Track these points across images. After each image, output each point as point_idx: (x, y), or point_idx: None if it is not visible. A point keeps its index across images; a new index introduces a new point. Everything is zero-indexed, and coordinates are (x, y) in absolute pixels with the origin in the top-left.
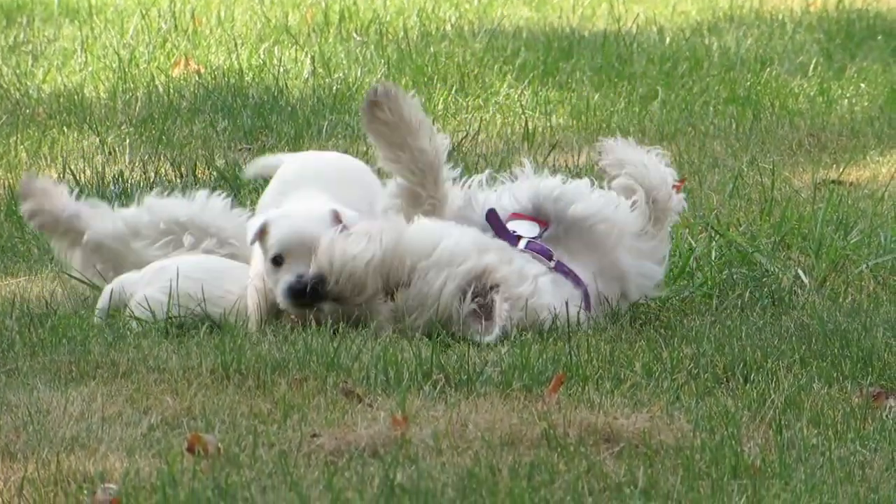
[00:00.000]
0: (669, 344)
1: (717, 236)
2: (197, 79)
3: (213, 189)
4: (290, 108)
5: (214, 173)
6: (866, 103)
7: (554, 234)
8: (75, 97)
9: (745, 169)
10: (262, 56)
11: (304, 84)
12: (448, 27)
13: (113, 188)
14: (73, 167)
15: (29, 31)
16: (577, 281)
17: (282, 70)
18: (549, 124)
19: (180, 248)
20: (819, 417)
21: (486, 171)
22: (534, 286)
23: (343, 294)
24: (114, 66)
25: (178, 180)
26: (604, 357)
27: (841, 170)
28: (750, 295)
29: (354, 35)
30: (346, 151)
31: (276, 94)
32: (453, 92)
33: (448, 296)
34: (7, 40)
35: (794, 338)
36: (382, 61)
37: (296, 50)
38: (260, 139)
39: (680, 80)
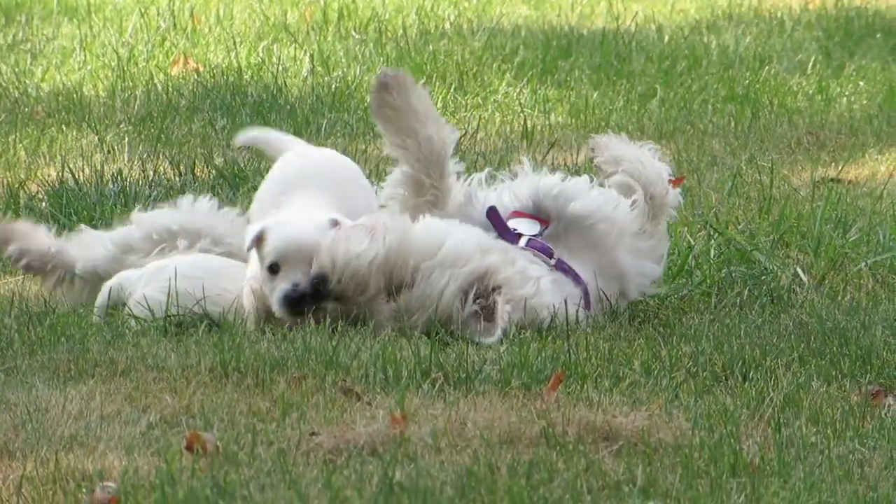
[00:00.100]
0: (668, 342)
1: (716, 234)
2: (196, 77)
3: (212, 188)
4: (288, 107)
5: (213, 172)
6: (865, 101)
7: (554, 232)
8: (74, 96)
9: (744, 167)
10: (260, 54)
11: (303, 82)
12: (447, 25)
13: (112, 186)
14: (71, 165)
15: (28, 29)
16: (577, 279)
17: (281, 68)
18: (547, 123)
19: (176, 251)
20: (818, 416)
21: (486, 170)
22: (536, 287)
23: (345, 293)
24: (112, 64)
25: (177, 179)
26: (602, 355)
27: (840, 168)
28: (749, 293)
29: (353, 33)
30: (345, 149)
31: (274, 92)
32: (452, 90)
33: (450, 296)
34: (6, 39)
35: (792, 336)
36: (381, 59)
37: (294, 48)
38: None
39: (679, 79)
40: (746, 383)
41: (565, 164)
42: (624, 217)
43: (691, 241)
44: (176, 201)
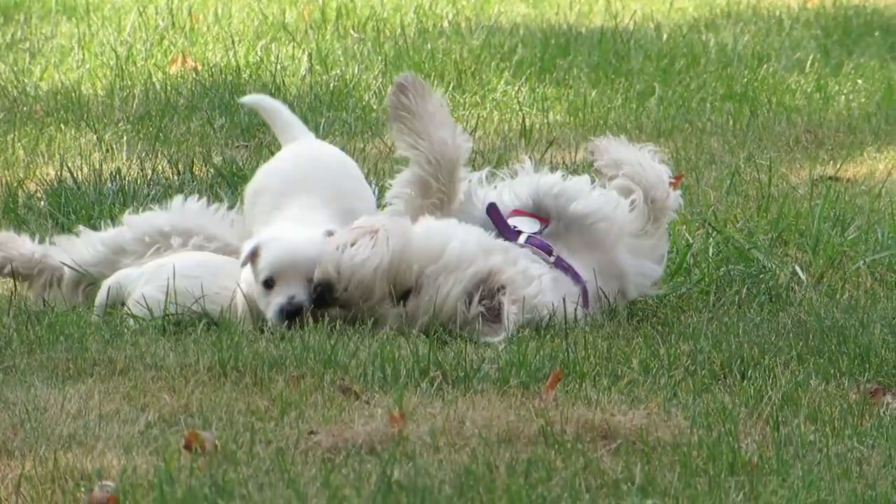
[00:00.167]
0: (666, 341)
1: (715, 233)
2: (194, 76)
3: (211, 187)
4: (287, 105)
5: (212, 171)
6: (863, 99)
7: (554, 230)
8: (72, 94)
9: (743, 165)
10: (259, 53)
11: (302, 81)
12: (445, 24)
13: (110, 185)
14: (70, 164)
15: (26, 28)
16: (576, 277)
17: (279, 67)
18: (546, 121)
19: (170, 250)
20: (816, 414)
21: (487, 169)
22: (539, 287)
23: (351, 300)
24: (111, 63)
25: (176, 178)
26: (601, 354)
27: (838, 166)
28: (747, 291)
29: (352, 32)
30: (343, 148)
31: (273, 91)
32: (450, 89)
33: (455, 299)
34: (4, 38)
35: (791, 334)
36: (380, 58)
37: (293, 47)
38: (257, 136)
39: (677, 77)
40: (745, 382)
41: (563, 162)
42: (624, 217)
43: (690, 239)
44: (167, 203)
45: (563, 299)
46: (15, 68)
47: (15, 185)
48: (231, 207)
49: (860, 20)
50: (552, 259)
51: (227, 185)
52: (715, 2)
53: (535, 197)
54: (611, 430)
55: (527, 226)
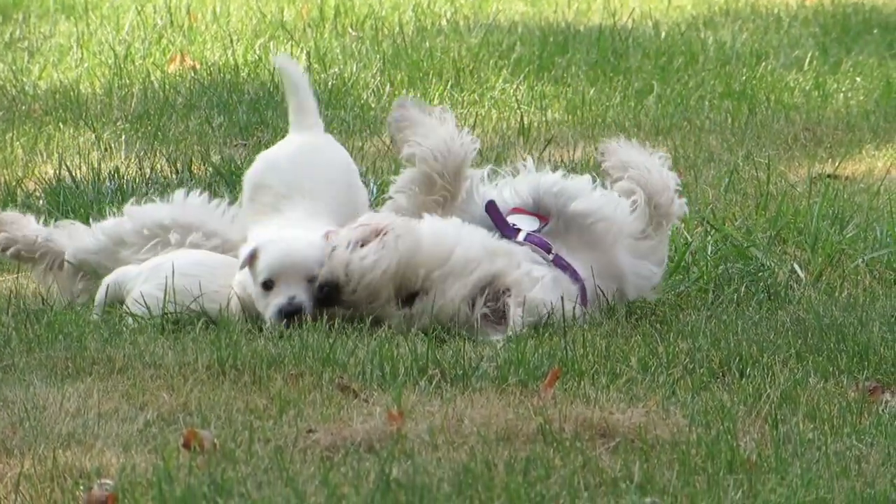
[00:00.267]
0: (665, 339)
1: (713, 231)
2: (193, 75)
3: (209, 185)
4: (285, 104)
5: (210, 169)
6: (862, 97)
7: (553, 229)
8: (71, 93)
9: (741, 163)
10: (257, 52)
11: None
12: (443, 22)
13: (109, 184)
14: (68, 163)
15: (25, 27)
16: (574, 276)
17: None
18: (544, 119)
19: (168, 247)
20: (815, 412)
21: (488, 167)
22: (544, 289)
23: (357, 302)
24: (109, 62)
25: (174, 176)
26: (599, 352)
27: (836, 164)
28: (746, 289)
29: (350, 30)
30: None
31: (271, 89)
32: (449, 87)
33: (459, 302)
34: (3, 37)
35: (789, 332)
36: (378, 56)
37: (291, 45)
38: (256, 135)
39: (675, 75)
40: (743, 380)
41: (562, 160)
42: (624, 218)
43: (688, 237)
44: (169, 196)
45: (562, 298)
46: (14, 67)
47: (14, 183)
48: (231, 204)
49: (858, 18)
50: (551, 257)
51: (226, 183)
52: (713, 0)
53: (535, 195)
54: (609, 429)
55: (526, 224)
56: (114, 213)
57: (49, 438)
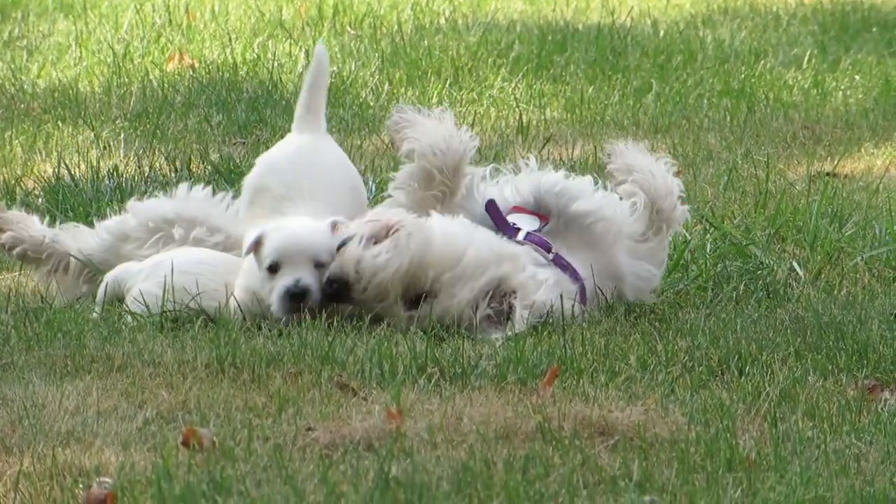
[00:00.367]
0: (664, 337)
1: (712, 229)
2: (191, 73)
3: (208, 183)
4: (284, 102)
5: (209, 167)
6: (861, 95)
7: (554, 228)
8: (70, 92)
9: (740, 161)
10: (256, 50)
11: (299, 78)
12: (442, 20)
13: (108, 182)
14: (67, 161)
15: (24, 26)
16: (574, 275)
17: (276, 64)
18: (543, 117)
19: (171, 242)
20: (814, 410)
21: (490, 166)
22: (548, 292)
23: (365, 300)
24: (108, 60)
25: (173, 174)
26: (598, 350)
27: (835, 162)
28: (745, 288)
29: (348, 29)
30: (339, 145)
31: (270, 88)
32: (447, 85)
33: (466, 306)
34: (2, 36)
35: (788, 330)
36: (376, 55)
37: (290, 44)
38: (254, 133)
39: (674, 73)
40: (742, 378)
41: (561, 158)
42: (623, 219)
43: (687, 235)
44: (171, 192)
45: (561, 296)
46: (12, 66)
47: (13, 182)
48: (235, 198)
49: (857, 16)
50: (551, 256)
51: (225, 181)
52: None
53: (536, 194)
54: (608, 427)
55: (526, 223)
56: (114, 212)
57: (48, 437)
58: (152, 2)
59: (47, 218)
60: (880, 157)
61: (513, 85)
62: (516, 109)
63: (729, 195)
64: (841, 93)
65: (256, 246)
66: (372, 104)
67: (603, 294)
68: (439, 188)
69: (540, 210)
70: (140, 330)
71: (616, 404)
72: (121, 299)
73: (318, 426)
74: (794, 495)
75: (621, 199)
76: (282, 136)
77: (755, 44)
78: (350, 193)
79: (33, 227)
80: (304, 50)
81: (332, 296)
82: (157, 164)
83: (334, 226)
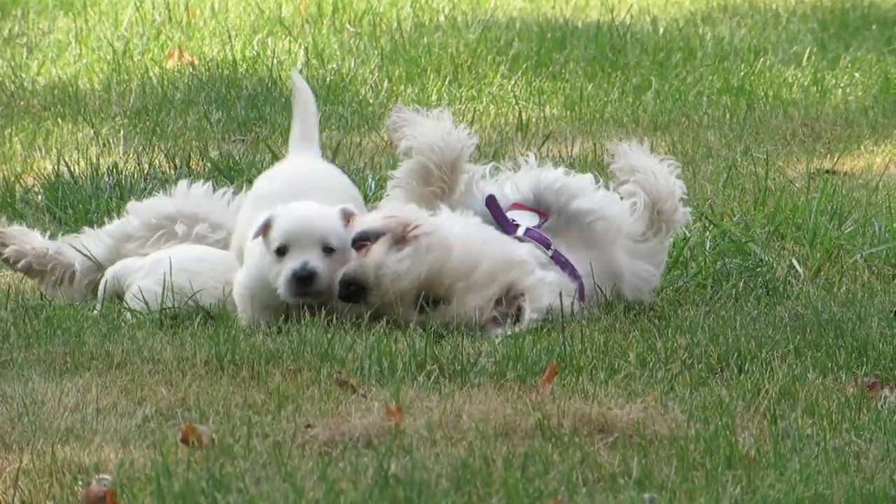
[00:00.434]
0: (663, 334)
1: (711, 226)
2: (191, 70)
3: (207, 180)
4: (283, 100)
5: (208, 164)
6: (860, 93)
7: (553, 225)
8: (69, 89)
9: (739, 159)
10: (255, 47)
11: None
12: (441, 18)
13: (107, 179)
14: (67, 158)
15: (24, 23)
16: (573, 273)
17: (276, 61)
18: (542, 115)
19: (174, 239)
20: (814, 408)
21: (490, 164)
22: (556, 294)
23: (383, 304)
24: (108, 58)
25: (173, 172)
26: (598, 347)
27: (835, 160)
28: (744, 285)
29: (348, 26)
30: (339, 142)
31: (269, 85)
32: (447, 83)
33: (476, 311)
34: (2, 33)
35: (788, 328)
36: (376, 52)
37: (289, 41)
38: (254, 130)
39: (673, 71)
40: (742, 375)
41: (560, 156)
42: (623, 219)
43: (686, 232)
44: (170, 190)
45: (560, 294)
46: (12, 63)
47: (12, 179)
48: (235, 194)
49: (857, 14)
50: (550, 253)
51: (224, 178)
52: None
53: (536, 191)
54: (608, 424)
55: (526, 220)
56: (113, 209)
57: (48, 433)
58: None
59: (48, 216)
60: (880, 155)
61: (512, 82)
62: (516, 107)
63: (728, 192)
64: (840, 90)
65: (265, 229)
66: (371, 101)
67: (602, 292)
68: (437, 185)
69: (539, 207)
70: (139, 327)
71: (615, 401)
72: (120, 296)
73: (318, 423)
74: (794, 493)
75: (622, 198)
76: (281, 134)
77: (754, 41)
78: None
79: (36, 240)
80: (303, 47)
81: (347, 297)
82: (157, 161)
83: (345, 214)
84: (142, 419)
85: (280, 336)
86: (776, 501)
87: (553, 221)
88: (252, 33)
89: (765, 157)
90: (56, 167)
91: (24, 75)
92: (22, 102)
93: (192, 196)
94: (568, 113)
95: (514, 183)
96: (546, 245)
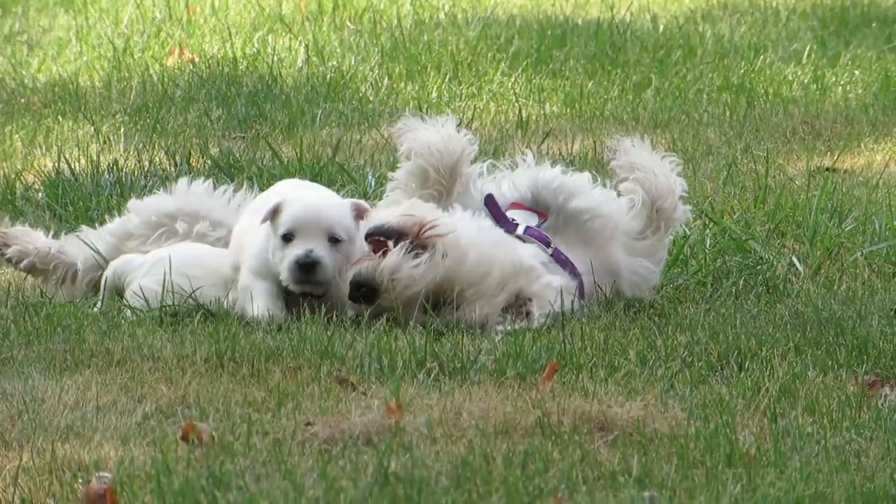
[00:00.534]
0: (664, 332)
1: (712, 224)
2: (191, 67)
3: (207, 177)
4: (284, 97)
5: (209, 162)
6: (860, 91)
7: (552, 224)
8: (70, 86)
9: (739, 157)
10: (256, 45)
11: (298, 72)
12: (441, 15)
13: (108, 177)
14: (67, 156)
15: (24, 20)
16: (573, 271)
17: (276, 59)
18: (542, 112)
19: (175, 236)
20: (814, 406)
21: (487, 161)
22: (562, 299)
23: (391, 307)
24: (108, 55)
25: (173, 169)
26: (598, 345)
27: (835, 157)
28: (744, 283)
29: (348, 23)
30: (339, 139)
31: (270, 82)
32: (447, 80)
33: (484, 317)
34: (2, 30)
35: (788, 326)
36: (376, 49)
37: (289, 38)
38: (254, 127)
39: (673, 68)
40: (742, 373)
41: (560, 153)
42: (620, 217)
43: (686, 230)
44: (171, 187)
45: (561, 292)
46: (13, 60)
47: (13, 176)
48: (236, 191)
49: (856, 11)
50: (550, 251)
51: (225, 175)
52: None
53: (534, 190)
54: (608, 422)
55: (524, 219)
56: (114, 207)
57: (48, 431)
58: None
59: (48, 213)
60: (880, 153)
61: (512, 80)
62: (516, 104)
63: (728, 190)
64: (840, 88)
65: (274, 214)
66: (371, 99)
67: (601, 290)
68: (435, 188)
69: (538, 206)
70: (139, 324)
71: (615, 399)
72: (121, 292)
73: (318, 421)
74: (794, 491)
75: (619, 195)
76: (281, 132)
77: (754, 39)
78: None
79: (38, 240)
80: (303, 44)
81: (357, 298)
82: (157, 158)
83: (357, 208)
84: (142, 417)
85: (280, 334)
86: (776, 500)
87: (552, 221)
88: (252, 30)
89: (765, 154)
90: (56, 165)
91: (24, 72)
92: (22, 100)
93: (192, 194)
94: (568, 110)
95: (512, 181)
96: (546, 243)
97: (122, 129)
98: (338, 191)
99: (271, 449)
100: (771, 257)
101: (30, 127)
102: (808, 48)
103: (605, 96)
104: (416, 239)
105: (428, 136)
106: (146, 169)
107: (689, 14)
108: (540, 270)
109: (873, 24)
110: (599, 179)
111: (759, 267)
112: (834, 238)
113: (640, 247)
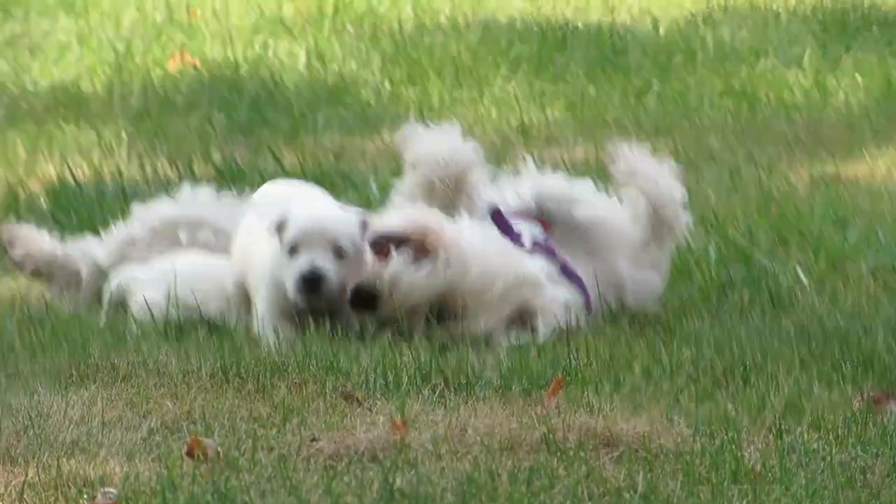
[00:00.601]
0: (668, 346)
1: (715, 234)
2: (193, 71)
3: (210, 183)
4: (285, 102)
5: (212, 168)
6: (862, 96)
7: (556, 235)
8: (72, 91)
9: (742, 164)
10: (257, 49)
11: (300, 77)
12: (442, 19)
13: (110, 182)
14: (70, 163)
15: (25, 24)
16: (580, 284)
17: (277, 63)
18: (544, 117)
19: (178, 244)
20: (820, 422)
21: (490, 169)
22: (567, 312)
23: (392, 315)
24: (110, 59)
25: (175, 175)
26: (603, 360)
27: (838, 165)
28: (749, 296)
29: (349, 28)
30: (341, 145)
31: (271, 87)
32: (448, 85)
33: (487, 331)
34: (3, 34)
35: (793, 340)
36: (377, 54)
37: (291, 43)
38: (256, 133)
39: (674, 72)
40: (748, 388)
41: (561, 158)
42: (624, 226)
43: (690, 240)
44: (174, 193)
45: (567, 306)
46: (14, 65)
47: (16, 184)
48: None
49: (857, 14)
50: (558, 264)
51: (227, 182)
52: None
53: (537, 199)
54: (613, 438)
55: (528, 229)
56: (115, 215)
57: (53, 446)
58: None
59: (51, 220)
60: (882, 159)
61: (513, 84)
62: (517, 109)
63: (731, 198)
64: (842, 93)
65: (279, 227)
66: (372, 104)
67: (606, 302)
68: (441, 198)
69: (541, 215)
70: (144, 339)
71: (621, 415)
72: (125, 306)
73: (323, 437)
74: None
75: (622, 204)
76: (283, 137)
77: (755, 43)
78: None
79: (44, 242)
80: (304, 49)
81: (358, 305)
82: (160, 164)
83: (363, 222)
84: (147, 432)
85: (285, 348)
86: None
87: (556, 231)
88: (253, 35)
89: (767, 161)
90: (59, 172)
91: (26, 77)
92: (24, 105)
93: (196, 201)
94: (569, 115)
95: (515, 190)
96: (554, 256)
97: (124, 135)
98: (339, 198)
99: (276, 464)
100: (776, 269)
101: (32, 133)
102: (808, 52)
103: (607, 101)
104: (420, 246)
105: (433, 145)
106: (149, 176)
107: (690, 18)
108: (545, 284)
109: (874, 28)
110: (602, 186)
111: (763, 280)
112: (838, 249)
113: (643, 257)
